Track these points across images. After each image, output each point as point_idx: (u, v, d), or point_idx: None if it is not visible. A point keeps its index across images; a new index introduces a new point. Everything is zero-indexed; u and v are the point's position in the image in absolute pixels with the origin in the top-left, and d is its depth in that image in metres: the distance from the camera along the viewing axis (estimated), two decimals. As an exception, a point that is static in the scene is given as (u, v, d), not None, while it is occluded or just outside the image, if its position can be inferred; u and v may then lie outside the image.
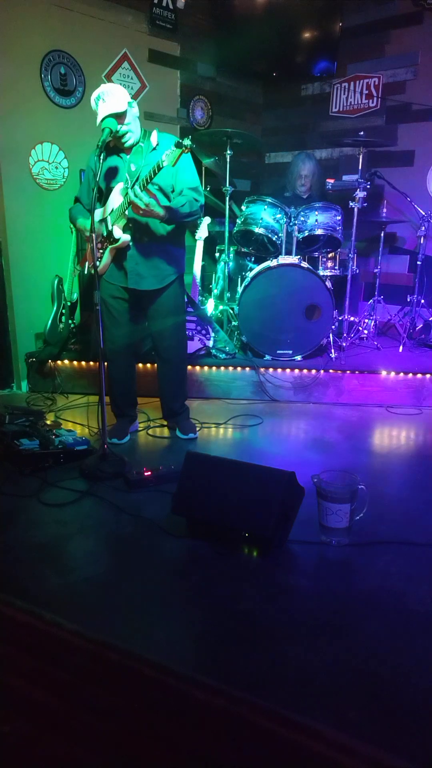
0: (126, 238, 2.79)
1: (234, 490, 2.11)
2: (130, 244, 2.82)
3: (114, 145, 2.78)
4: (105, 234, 2.85)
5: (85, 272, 3.07)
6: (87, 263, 3.04)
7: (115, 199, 2.79)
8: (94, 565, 2.07)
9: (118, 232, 2.78)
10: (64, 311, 4.06)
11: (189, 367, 3.73)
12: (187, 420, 3.27)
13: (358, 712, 1.43)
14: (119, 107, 2.63)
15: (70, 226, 3.82)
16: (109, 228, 2.81)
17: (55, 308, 4.03)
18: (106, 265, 2.89)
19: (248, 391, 3.94)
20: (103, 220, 2.84)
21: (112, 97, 2.63)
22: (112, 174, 2.82)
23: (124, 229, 2.80)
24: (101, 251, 2.87)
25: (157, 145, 2.75)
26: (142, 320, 3.15)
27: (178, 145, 2.42)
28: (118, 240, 2.79)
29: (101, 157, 2.59)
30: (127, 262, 2.87)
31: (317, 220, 3.97)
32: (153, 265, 2.88)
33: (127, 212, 2.75)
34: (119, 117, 2.66)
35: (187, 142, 2.41)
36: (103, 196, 2.85)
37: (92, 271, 2.83)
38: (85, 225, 2.86)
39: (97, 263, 2.79)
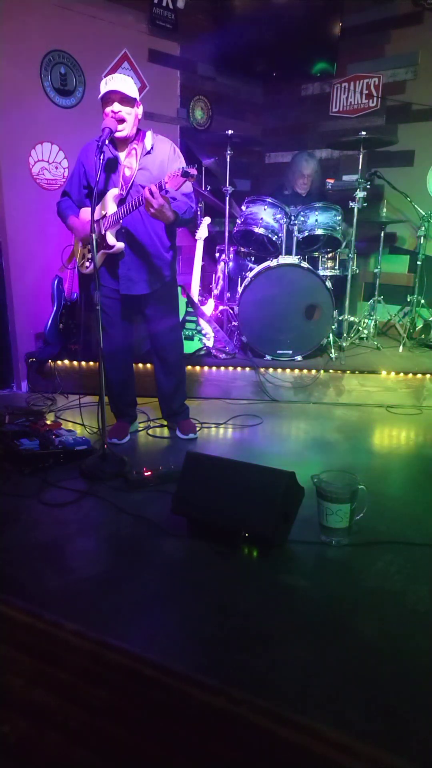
0: (120, 246, 2.79)
1: (234, 490, 2.11)
2: (124, 251, 2.82)
3: (110, 140, 2.78)
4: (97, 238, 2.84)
5: (75, 270, 3.07)
6: (77, 261, 3.04)
7: (108, 205, 2.78)
8: (94, 565, 2.07)
9: (111, 240, 2.78)
10: (64, 311, 4.06)
11: (189, 367, 3.74)
12: (186, 420, 3.27)
13: (358, 712, 1.43)
14: (132, 92, 2.66)
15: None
16: (102, 233, 2.80)
17: (55, 308, 4.03)
18: (98, 267, 2.90)
19: (248, 391, 3.94)
20: (96, 222, 2.83)
21: (125, 82, 2.65)
22: (106, 176, 2.81)
23: (117, 237, 2.80)
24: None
25: (152, 148, 2.75)
26: (138, 320, 3.15)
27: (184, 174, 2.41)
28: (112, 247, 2.78)
29: (101, 159, 2.58)
30: (119, 268, 2.86)
31: (317, 220, 3.97)
32: (145, 270, 2.88)
33: (121, 221, 2.75)
34: (128, 101, 2.66)
35: (193, 172, 2.41)
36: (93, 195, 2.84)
37: (83, 271, 2.83)
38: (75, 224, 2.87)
39: (88, 264, 2.79)
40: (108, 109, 2.67)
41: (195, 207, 2.84)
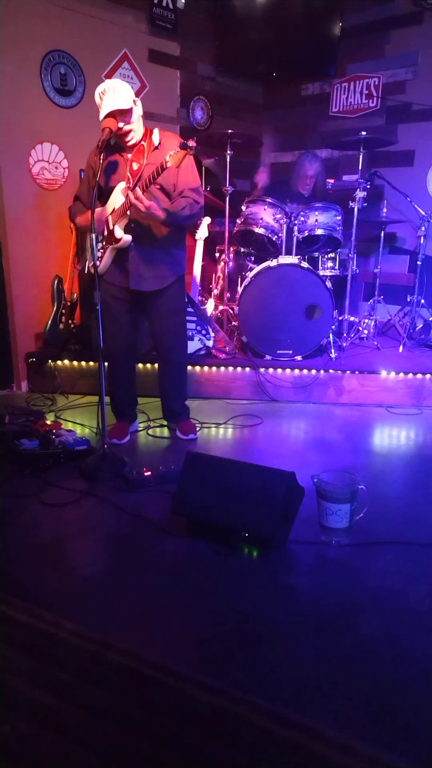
0: (128, 238, 2.78)
1: (234, 490, 2.11)
2: (131, 245, 2.82)
3: (115, 143, 2.78)
4: (105, 234, 2.84)
5: (85, 272, 3.06)
6: (86, 262, 3.03)
7: (117, 199, 2.78)
8: (94, 565, 2.07)
9: (119, 233, 2.78)
10: (64, 311, 4.06)
11: (189, 367, 3.74)
12: (187, 420, 3.27)
13: (358, 712, 1.43)
14: (124, 104, 2.62)
15: (70, 225, 3.82)
16: (110, 228, 2.80)
17: (55, 308, 4.03)
18: (106, 265, 2.89)
19: (248, 391, 3.94)
20: (105, 219, 2.84)
21: (117, 93, 2.61)
22: (113, 173, 2.81)
23: (126, 230, 2.79)
24: (101, 251, 2.86)
25: (159, 144, 2.75)
26: (142, 320, 3.15)
27: (183, 146, 2.41)
28: (119, 240, 2.78)
29: (101, 157, 2.59)
30: (128, 264, 2.86)
31: (317, 220, 3.97)
32: (154, 266, 2.88)
33: (128, 213, 2.74)
34: (123, 114, 2.65)
35: (191, 144, 2.40)
36: (103, 195, 2.84)
37: (92, 271, 2.82)
38: (87, 218, 2.86)
39: (97, 263, 2.79)
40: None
41: (200, 202, 2.82)
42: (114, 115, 2.63)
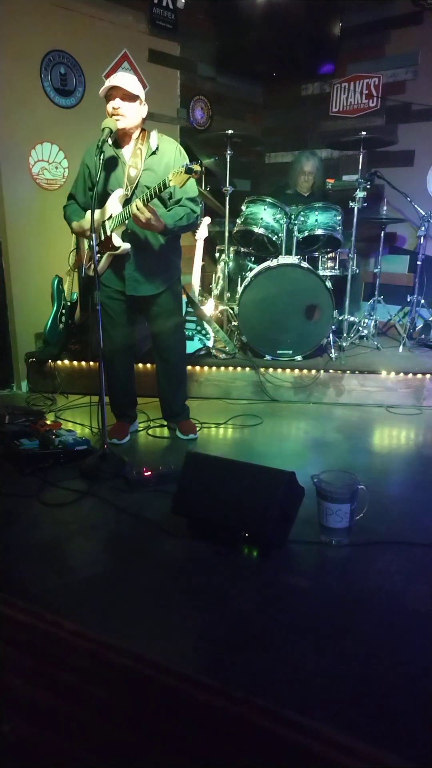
0: (126, 246, 2.78)
1: (234, 490, 2.11)
2: (130, 252, 2.82)
3: (114, 141, 2.77)
4: (103, 239, 2.83)
5: (83, 275, 3.06)
6: (83, 264, 3.03)
7: (114, 206, 2.77)
8: (94, 565, 2.07)
9: (117, 241, 2.77)
10: (64, 311, 4.06)
11: (189, 367, 3.74)
12: (187, 420, 3.27)
13: (358, 712, 1.43)
14: (131, 87, 2.64)
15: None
16: (108, 234, 2.79)
17: (55, 308, 4.02)
18: (103, 270, 2.89)
19: (248, 391, 3.94)
20: (101, 224, 2.83)
21: (128, 78, 2.65)
22: (110, 175, 2.80)
23: (123, 237, 2.79)
24: (99, 255, 2.86)
25: (157, 148, 2.74)
26: (141, 321, 3.15)
27: (188, 171, 2.40)
28: (118, 248, 2.78)
29: (101, 158, 2.58)
30: (125, 269, 2.86)
31: (317, 220, 3.97)
32: (151, 271, 2.88)
33: (127, 222, 2.74)
34: (129, 97, 2.65)
35: (197, 168, 2.39)
36: (98, 196, 2.83)
37: (90, 273, 2.82)
38: (82, 226, 2.86)
39: (96, 264, 2.80)
40: (109, 105, 2.67)
41: (197, 211, 2.82)
42: (116, 93, 2.63)
